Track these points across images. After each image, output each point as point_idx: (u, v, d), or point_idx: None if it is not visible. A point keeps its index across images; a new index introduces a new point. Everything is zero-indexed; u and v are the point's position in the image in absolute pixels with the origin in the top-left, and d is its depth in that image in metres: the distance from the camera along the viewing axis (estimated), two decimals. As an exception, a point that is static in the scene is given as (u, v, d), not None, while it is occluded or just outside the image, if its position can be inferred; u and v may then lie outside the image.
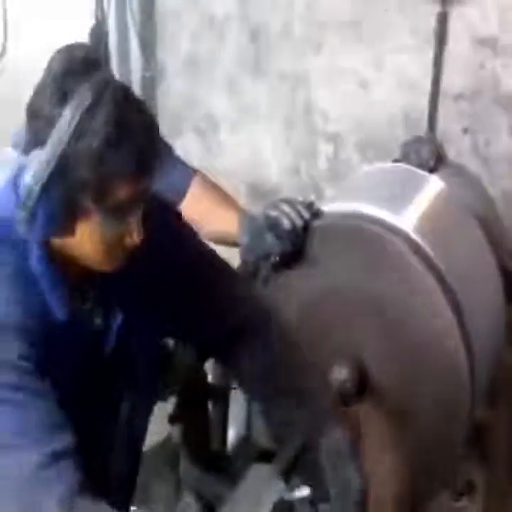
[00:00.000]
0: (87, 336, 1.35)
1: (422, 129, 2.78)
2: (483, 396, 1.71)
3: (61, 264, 1.28)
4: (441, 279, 1.55)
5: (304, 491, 1.43)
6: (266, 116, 3.18)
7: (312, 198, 2.94)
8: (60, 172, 1.16)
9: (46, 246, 1.25)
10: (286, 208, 1.61)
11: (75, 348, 1.32)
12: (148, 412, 1.59)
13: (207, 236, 1.69)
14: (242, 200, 2.82)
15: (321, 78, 3.02)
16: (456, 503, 1.59)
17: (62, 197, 1.17)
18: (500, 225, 2.03)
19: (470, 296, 1.61)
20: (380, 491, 1.64)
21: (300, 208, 1.62)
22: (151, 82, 3.45)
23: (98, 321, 1.37)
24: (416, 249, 1.57)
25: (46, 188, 1.16)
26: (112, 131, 1.15)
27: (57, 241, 1.25)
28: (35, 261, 1.24)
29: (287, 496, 1.43)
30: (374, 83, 2.90)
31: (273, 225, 1.61)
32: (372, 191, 1.84)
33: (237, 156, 3.26)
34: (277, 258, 1.62)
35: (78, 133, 1.15)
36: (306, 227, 1.62)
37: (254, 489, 1.42)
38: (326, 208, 1.70)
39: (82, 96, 1.15)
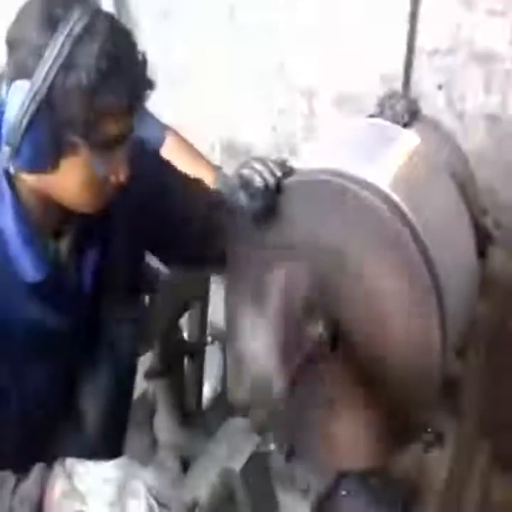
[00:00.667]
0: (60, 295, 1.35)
1: (399, 84, 2.77)
2: (454, 351, 1.73)
3: (34, 215, 1.24)
4: (415, 234, 1.55)
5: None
6: (240, 70, 3.15)
7: (286, 154, 2.94)
8: (49, 106, 1.11)
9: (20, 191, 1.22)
10: (258, 166, 1.61)
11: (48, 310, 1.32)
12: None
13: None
14: (217, 156, 2.81)
15: (295, 32, 2.99)
16: (425, 454, 1.62)
17: (49, 131, 1.12)
18: (473, 181, 2.04)
19: (444, 252, 1.62)
20: (355, 448, 1.67)
21: (272, 166, 1.62)
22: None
23: (72, 274, 1.36)
24: (390, 204, 1.57)
25: (33, 122, 1.11)
26: (104, 64, 1.10)
27: (39, 181, 1.20)
28: (9, 207, 1.21)
29: (262, 448, 1.46)
30: (350, 38, 2.87)
31: (246, 183, 1.61)
32: (346, 147, 1.83)
33: (210, 111, 3.23)
34: (250, 216, 1.63)
35: (68, 65, 1.09)
36: (279, 185, 1.62)
37: (230, 441, 1.44)
38: (299, 164, 1.70)
39: (73, 24, 1.09)
